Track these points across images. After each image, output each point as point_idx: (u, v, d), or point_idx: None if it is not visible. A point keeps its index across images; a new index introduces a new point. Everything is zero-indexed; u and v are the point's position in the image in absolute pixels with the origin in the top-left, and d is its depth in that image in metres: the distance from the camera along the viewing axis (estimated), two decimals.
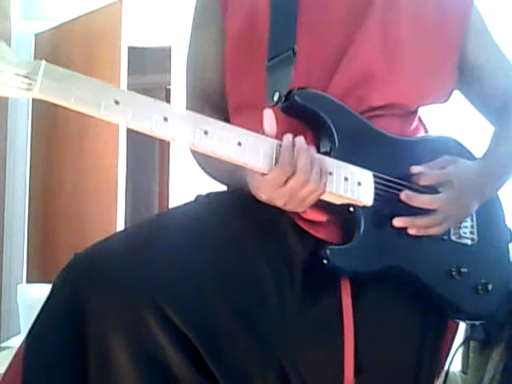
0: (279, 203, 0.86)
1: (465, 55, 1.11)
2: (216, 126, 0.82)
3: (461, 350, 1.13)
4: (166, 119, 0.79)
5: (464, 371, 1.16)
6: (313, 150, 0.87)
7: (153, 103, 0.79)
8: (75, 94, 0.74)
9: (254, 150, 0.83)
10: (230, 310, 0.82)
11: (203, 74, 1.13)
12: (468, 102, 1.19)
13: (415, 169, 0.96)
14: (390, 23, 1.03)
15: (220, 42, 1.09)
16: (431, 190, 0.96)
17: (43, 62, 0.73)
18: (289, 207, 0.87)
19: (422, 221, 0.94)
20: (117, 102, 0.76)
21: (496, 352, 1.12)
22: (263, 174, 0.84)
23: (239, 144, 0.83)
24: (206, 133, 0.81)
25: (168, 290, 0.78)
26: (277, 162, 0.83)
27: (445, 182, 0.96)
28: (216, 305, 0.81)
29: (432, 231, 0.96)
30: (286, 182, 0.83)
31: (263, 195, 0.85)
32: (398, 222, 0.94)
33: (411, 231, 0.94)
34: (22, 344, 0.83)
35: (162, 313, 0.76)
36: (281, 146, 0.84)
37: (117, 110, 0.76)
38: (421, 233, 0.95)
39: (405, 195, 0.94)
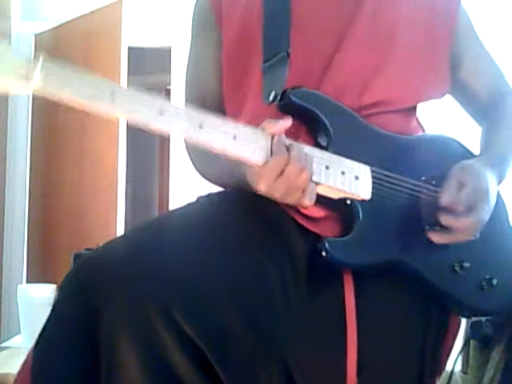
0: (278, 195, 0.86)
1: (452, 55, 1.12)
2: (211, 120, 0.84)
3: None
4: (161, 113, 0.80)
5: (464, 371, 1.16)
6: (303, 144, 0.88)
7: (148, 98, 0.81)
8: (72, 89, 0.76)
9: (249, 143, 0.84)
10: (236, 312, 0.81)
11: (202, 85, 1.15)
12: (455, 100, 1.21)
13: (445, 201, 0.95)
14: (380, 21, 1.05)
15: (217, 52, 1.11)
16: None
17: (41, 58, 0.75)
18: (289, 200, 0.87)
19: (463, 237, 0.97)
20: (113, 97, 0.78)
21: (496, 352, 1.12)
22: (259, 167, 0.85)
23: (234, 138, 0.84)
24: (200, 126, 0.82)
25: (177, 293, 0.77)
26: (272, 153, 0.85)
27: (478, 199, 0.97)
28: (223, 307, 0.80)
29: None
30: (282, 171, 0.84)
31: (262, 187, 0.86)
32: (441, 239, 0.96)
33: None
34: (30, 352, 0.82)
35: (171, 317, 0.75)
36: (273, 138, 0.86)
37: (113, 104, 0.78)
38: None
39: (446, 220, 0.95)
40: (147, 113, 0.79)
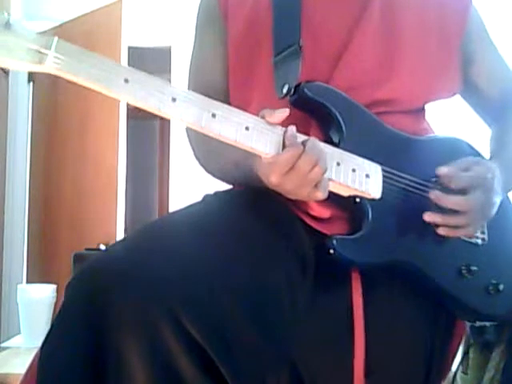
0: (289, 187, 0.84)
1: (464, 55, 1.11)
2: (224, 109, 0.83)
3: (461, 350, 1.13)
4: (174, 100, 0.80)
5: (464, 371, 1.16)
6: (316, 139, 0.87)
7: (162, 83, 0.80)
8: (85, 70, 0.76)
9: (261, 134, 0.83)
10: (244, 314, 0.80)
11: (206, 78, 1.13)
12: (466, 103, 1.20)
13: (442, 170, 0.94)
14: (389, 19, 1.05)
15: (222, 47, 1.10)
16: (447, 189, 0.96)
17: (56, 38, 0.76)
18: (301, 193, 0.85)
19: (454, 220, 0.93)
20: (126, 81, 0.78)
21: (496, 352, 1.12)
22: (271, 158, 0.84)
23: (247, 128, 0.83)
24: (213, 116, 0.82)
25: (182, 295, 0.76)
26: (284, 146, 0.83)
27: (475, 185, 0.94)
28: (230, 309, 0.79)
29: (462, 232, 0.95)
30: (295, 164, 0.82)
31: (273, 179, 0.84)
32: (429, 216, 0.93)
33: (441, 230, 0.93)
34: (35, 357, 0.82)
35: (177, 320, 0.74)
36: (286, 132, 0.84)
37: (126, 89, 0.78)
38: (451, 234, 0.94)
39: (434, 194, 0.93)
40: (160, 99, 0.79)
